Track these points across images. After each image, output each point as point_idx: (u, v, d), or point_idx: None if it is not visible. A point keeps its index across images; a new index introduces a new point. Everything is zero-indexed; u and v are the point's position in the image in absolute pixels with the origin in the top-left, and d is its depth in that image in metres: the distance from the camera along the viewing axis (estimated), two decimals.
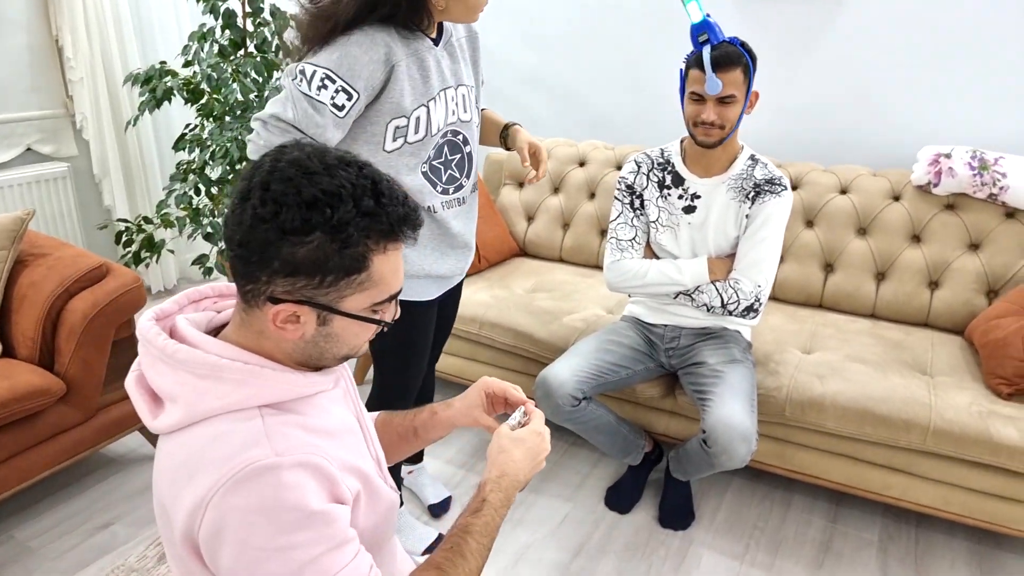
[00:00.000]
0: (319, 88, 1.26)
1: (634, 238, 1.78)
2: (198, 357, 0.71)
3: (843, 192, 2.17)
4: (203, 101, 2.59)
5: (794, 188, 2.22)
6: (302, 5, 1.32)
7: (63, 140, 2.86)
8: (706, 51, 1.57)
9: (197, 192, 2.55)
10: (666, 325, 1.84)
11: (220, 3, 2.45)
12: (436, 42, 1.39)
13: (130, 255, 2.64)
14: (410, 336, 1.56)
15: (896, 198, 2.11)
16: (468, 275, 1.74)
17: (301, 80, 1.27)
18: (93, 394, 1.79)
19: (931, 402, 1.64)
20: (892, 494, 1.72)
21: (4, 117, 2.64)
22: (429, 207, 1.44)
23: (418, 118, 1.36)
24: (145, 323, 0.76)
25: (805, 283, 2.18)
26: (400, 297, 1.53)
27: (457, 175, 1.48)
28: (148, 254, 2.67)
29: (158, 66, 2.54)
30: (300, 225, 0.68)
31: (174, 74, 2.55)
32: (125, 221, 2.68)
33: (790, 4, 2.33)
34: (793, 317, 2.10)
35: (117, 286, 1.79)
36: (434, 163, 1.43)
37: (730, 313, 1.69)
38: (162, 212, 2.61)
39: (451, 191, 1.47)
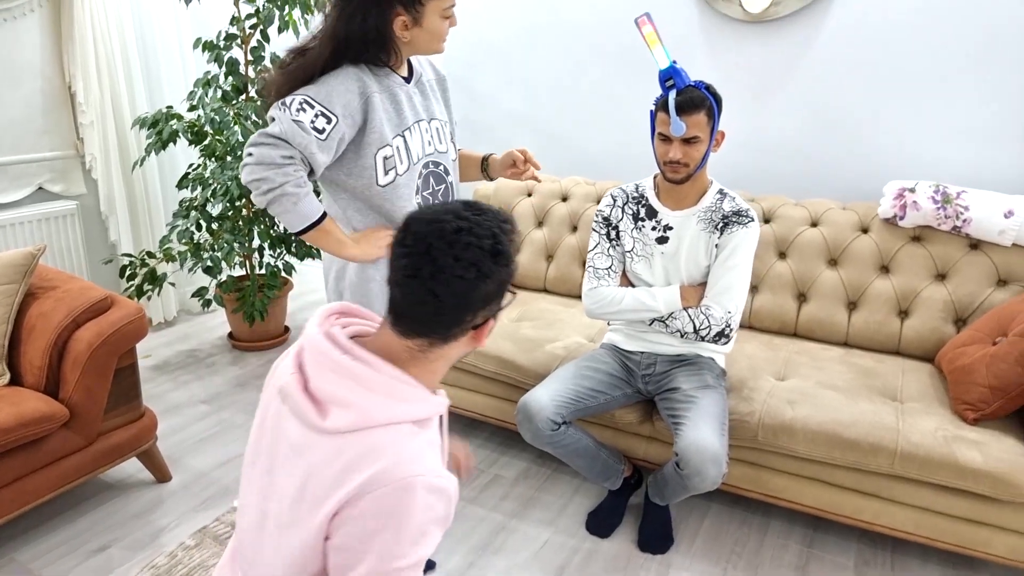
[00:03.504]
0: (299, 111, 1.33)
1: (610, 267, 1.87)
2: (376, 377, 0.83)
3: (814, 225, 2.26)
4: (206, 142, 2.73)
5: (767, 221, 2.32)
6: (277, 66, 1.43)
7: (72, 179, 2.99)
8: (672, 95, 1.68)
9: (198, 228, 2.66)
10: (643, 352, 1.91)
11: (224, 52, 2.59)
12: (407, 80, 1.49)
13: (133, 288, 2.75)
14: None
15: (864, 230, 2.20)
16: None
17: (283, 108, 1.34)
18: (95, 420, 1.87)
19: (898, 427, 1.70)
20: (864, 518, 1.77)
21: (18, 159, 2.78)
22: None
23: (398, 147, 1.44)
24: (318, 337, 0.87)
25: (780, 312, 2.26)
26: None
27: None
28: (150, 287, 2.77)
29: (165, 110, 2.68)
30: (491, 268, 0.83)
31: (179, 117, 2.70)
32: (129, 256, 2.79)
33: (760, 46, 2.46)
34: (768, 345, 2.17)
35: (120, 317, 1.88)
36: (424, 194, 1.51)
37: (702, 339, 1.77)
38: (165, 247, 2.73)
39: None
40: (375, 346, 0.88)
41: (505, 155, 1.66)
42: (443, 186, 1.56)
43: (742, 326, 2.33)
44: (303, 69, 1.38)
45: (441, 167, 1.54)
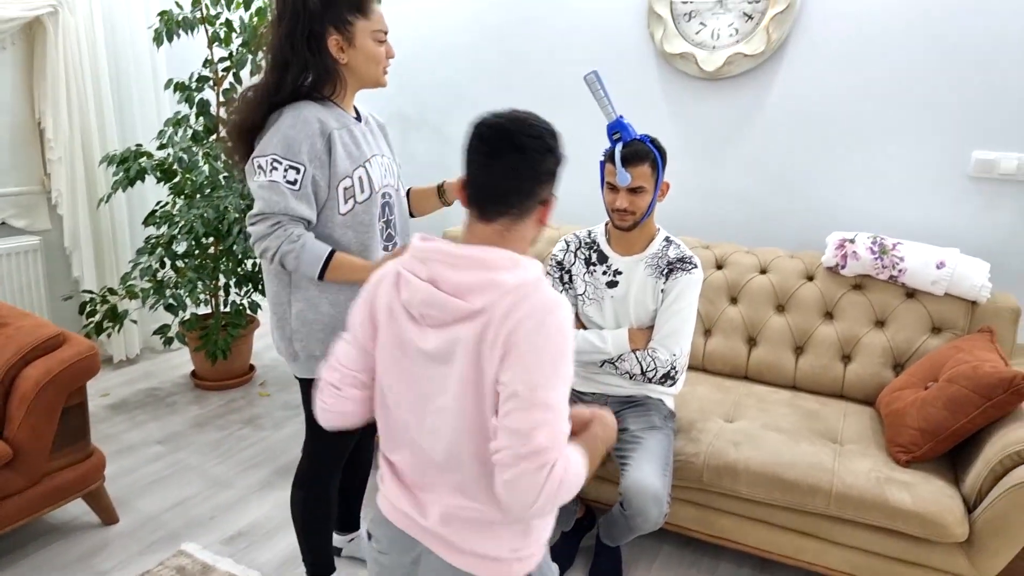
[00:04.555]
0: (271, 170, 1.41)
1: None
2: (493, 255, 1.00)
3: (763, 272, 2.35)
4: (176, 180, 2.77)
5: (719, 267, 2.40)
6: (237, 101, 1.50)
7: (37, 215, 3.00)
8: (619, 148, 1.77)
9: (162, 265, 2.67)
10: (594, 393, 1.96)
11: (195, 94, 2.66)
12: (357, 119, 1.57)
13: (92, 325, 2.74)
14: None
15: (810, 278, 2.30)
16: None
17: (256, 173, 1.42)
18: (39, 460, 1.84)
19: (834, 468, 1.75)
20: (806, 558, 1.80)
21: None
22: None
23: (360, 178, 1.50)
24: (431, 245, 1.03)
25: (731, 355, 2.32)
26: None
27: (393, 234, 1.62)
28: (111, 324, 2.76)
29: (134, 148, 2.72)
30: (552, 144, 1.06)
31: (149, 155, 2.74)
32: (90, 292, 2.79)
33: (715, 102, 2.59)
34: (719, 387, 2.23)
35: (72, 354, 1.87)
36: (381, 221, 1.57)
37: (650, 380, 1.82)
38: (127, 283, 2.73)
39: (390, 248, 1.61)
40: (470, 242, 1.05)
41: (460, 179, 1.73)
42: (393, 217, 1.62)
43: (696, 368, 2.39)
44: (256, 102, 1.46)
45: (393, 199, 1.62)
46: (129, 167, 2.65)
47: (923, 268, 2.11)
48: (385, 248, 1.59)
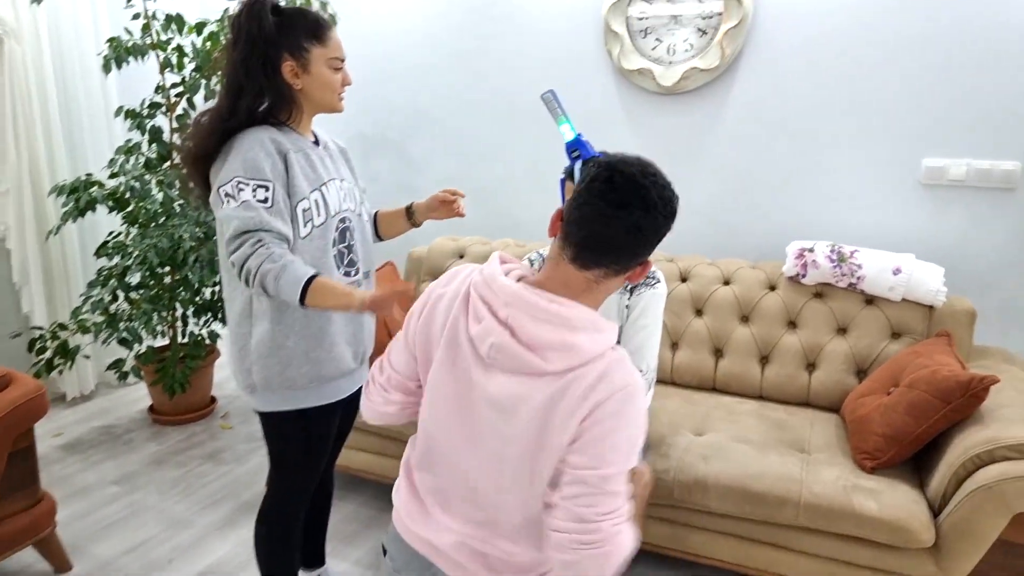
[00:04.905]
0: (239, 191, 1.35)
1: None
2: (579, 316, 0.95)
3: (726, 283, 2.37)
4: (129, 209, 2.69)
5: (683, 280, 2.42)
6: (190, 126, 1.46)
7: None
8: (577, 165, 1.77)
9: (114, 298, 2.59)
10: None
11: (147, 121, 2.60)
12: (315, 145, 1.54)
13: (42, 363, 2.63)
14: (314, 445, 1.59)
15: (772, 288, 2.32)
16: None
17: (224, 202, 1.36)
18: None
19: (802, 478, 1.75)
20: (779, 571, 1.79)
21: None
22: None
23: (316, 201, 1.46)
24: (515, 287, 0.98)
25: (699, 368, 2.33)
26: (311, 404, 1.54)
27: (356, 259, 1.58)
28: (61, 360, 2.66)
29: (84, 177, 2.64)
30: (673, 211, 0.98)
31: (100, 185, 2.66)
32: (39, 328, 2.68)
33: (673, 116, 2.62)
34: (689, 400, 2.23)
35: (18, 396, 1.79)
36: (340, 247, 1.52)
37: None
38: (79, 318, 2.63)
39: (352, 274, 1.56)
40: (553, 284, 0.99)
41: (431, 199, 1.71)
42: (355, 241, 1.59)
43: (665, 382, 2.39)
44: (210, 127, 1.42)
45: (352, 223, 1.58)
46: (79, 197, 2.57)
47: (880, 274, 2.15)
48: (346, 274, 1.55)
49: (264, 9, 1.40)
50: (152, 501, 2.42)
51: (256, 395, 1.52)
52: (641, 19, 2.56)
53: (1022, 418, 1.68)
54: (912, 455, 1.79)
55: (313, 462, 1.61)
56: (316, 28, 1.45)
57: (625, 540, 0.94)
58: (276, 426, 1.55)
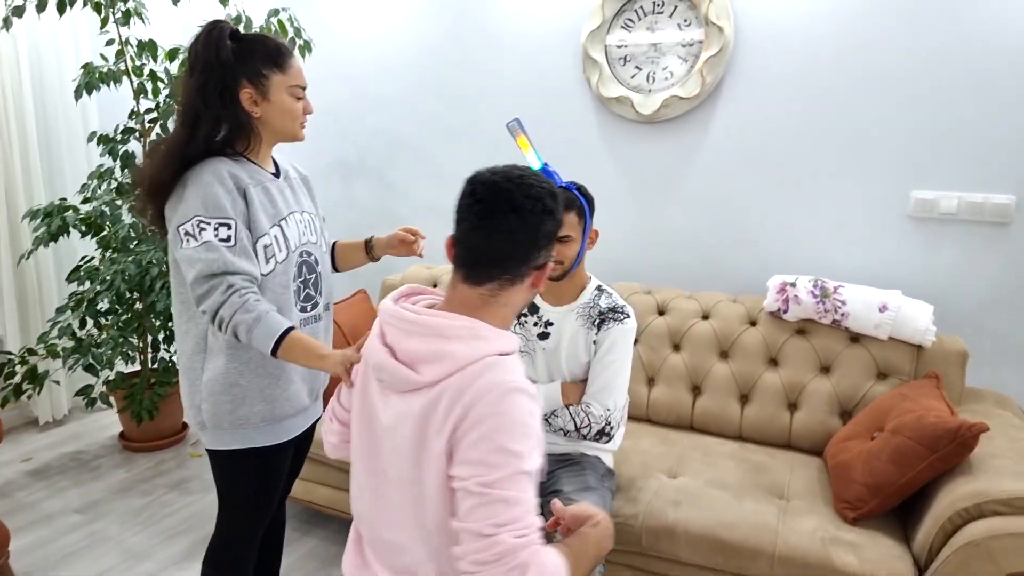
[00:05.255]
0: (200, 231, 1.30)
1: None
2: (453, 325, 0.93)
3: (705, 317, 2.28)
4: (103, 234, 2.65)
5: (661, 313, 2.33)
6: (145, 155, 1.42)
7: None
8: None
9: (82, 324, 2.54)
10: None
11: (120, 146, 2.57)
12: (276, 176, 1.49)
13: (10, 388, 2.57)
14: (266, 484, 1.52)
15: (753, 323, 2.23)
16: None
17: (185, 241, 1.31)
18: None
19: (778, 528, 1.65)
20: None
21: None
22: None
23: (276, 236, 1.42)
24: (394, 308, 0.98)
25: (675, 405, 2.23)
26: (263, 444, 1.49)
27: (313, 293, 1.53)
28: (30, 385, 2.60)
29: (57, 202, 2.61)
30: (551, 205, 0.97)
31: (75, 209, 2.63)
32: (8, 353, 2.63)
33: (653, 144, 2.56)
34: (664, 440, 2.13)
35: None
36: (298, 282, 1.48)
37: (584, 437, 1.72)
38: (48, 343, 2.58)
39: (308, 308, 1.51)
40: (452, 306, 0.98)
41: (391, 236, 1.67)
42: (314, 275, 1.54)
43: (640, 419, 2.29)
44: (167, 156, 1.37)
45: (312, 256, 1.54)
46: (51, 222, 2.53)
47: (866, 311, 2.06)
48: (302, 309, 1.49)
49: (222, 35, 1.36)
50: (113, 531, 2.34)
51: (206, 432, 1.47)
52: (620, 47, 2.52)
53: (1014, 470, 1.57)
54: (897, 506, 1.68)
55: (264, 502, 1.54)
56: (276, 55, 1.41)
57: (544, 559, 0.82)
58: (226, 465, 1.49)
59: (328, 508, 2.20)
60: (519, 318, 1.84)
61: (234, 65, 1.36)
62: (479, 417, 0.87)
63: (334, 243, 1.73)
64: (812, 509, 1.73)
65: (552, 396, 1.75)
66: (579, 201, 1.72)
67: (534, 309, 1.83)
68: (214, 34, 1.36)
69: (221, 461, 1.49)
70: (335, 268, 1.73)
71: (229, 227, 1.33)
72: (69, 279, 2.65)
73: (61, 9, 2.31)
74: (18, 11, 2.35)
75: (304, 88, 1.45)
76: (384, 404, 0.98)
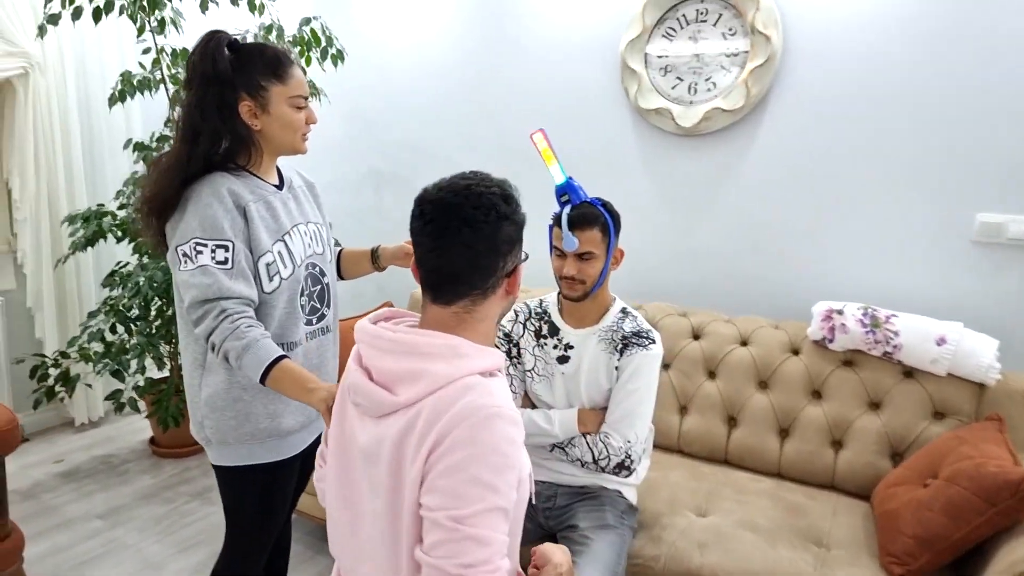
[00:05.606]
0: (197, 254, 1.28)
1: (509, 386, 1.74)
2: (431, 342, 0.89)
3: (743, 344, 2.14)
4: (140, 239, 2.68)
5: (696, 338, 2.20)
6: (148, 169, 1.39)
7: (3, 274, 2.94)
8: (566, 210, 1.62)
9: (113, 330, 2.56)
10: (544, 482, 1.74)
11: (153, 153, 2.60)
12: (279, 188, 1.45)
13: (43, 389, 2.62)
14: (274, 500, 1.49)
15: (795, 352, 2.07)
16: None
17: (182, 262, 1.29)
18: None
19: None
20: None
21: None
22: (296, 341, 1.42)
23: (280, 252, 1.38)
24: (371, 327, 0.94)
25: (709, 437, 2.09)
26: (269, 460, 1.45)
27: (319, 306, 1.50)
28: (63, 388, 2.64)
29: (95, 208, 2.65)
30: (506, 209, 0.92)
31: (113, 215, 2.67)
32: (42, 356, 2.68)
33: (692, 159, 2.43)
34: (694, 474, 1.99)
35: None
36: (304, 296, 1.45)
37: (602, 470, 1.61)
38: (79, 346, 2.62)
39: (315, 321, 1.48)
40: (428, 326, 0.94)
41: (397, 247, 1.62)
42: (319, 287, 1.50)
43: (671, 449, 2.16)
44: (168, 172, 1.34)
45: (318, 268, 1.50)
46: (87, 227, 2.58)
47: (921, 344, 1.88)
48: (308, 322, 1.46)
49: (219, 46, 1.32)
50: (131, 539, 2.34)
51: (212, 448, 1.44)
52: (661, 57, 2.41)
53: None
54: (949, 563, 1.51)
55: (271, 519, 1.50)
56: (275, 65, 1.36)
57: None
58: (231, 481, 1.46)
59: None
60: (539, 340, 1.75)
61: (232, 77, 1.32)
62: (455, 443, 0.81)
63: (340, 250, 1.69)
64: (855, 561, 1.57)
65: (567, 423, 1.65)
66: (603, 217, 1.63)
67: (554, 331, 1.74)
68: (211, 45, 1.32)
69: (226, 477, 1.46)
70: (340, 276, 1.69)
71: (227, 249, 1.29)
72: (104, 284, 2.69)
73: (96, 18, 2.35)
74: (53, 19, 2.40)
75: (306, 98, 1.41)
76: (361, 428, 0.93)
